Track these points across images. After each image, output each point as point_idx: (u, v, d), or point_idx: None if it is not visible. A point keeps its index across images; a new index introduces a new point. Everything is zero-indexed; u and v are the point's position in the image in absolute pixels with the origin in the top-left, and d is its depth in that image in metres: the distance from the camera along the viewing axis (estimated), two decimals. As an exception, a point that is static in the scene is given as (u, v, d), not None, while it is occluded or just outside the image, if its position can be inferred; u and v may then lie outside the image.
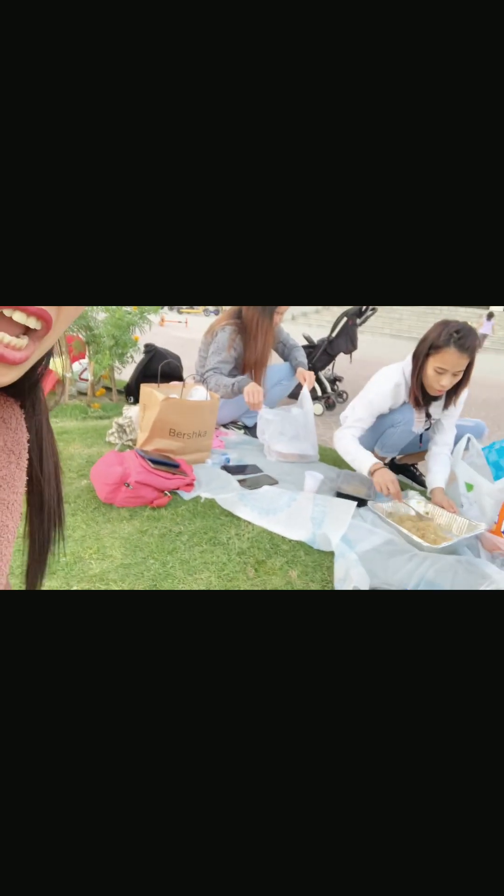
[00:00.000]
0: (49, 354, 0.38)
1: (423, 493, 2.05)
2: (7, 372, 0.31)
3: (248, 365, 2.38)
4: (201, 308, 16.76)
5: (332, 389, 4.29)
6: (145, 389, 1.90)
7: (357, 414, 1.93)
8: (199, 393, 1.97)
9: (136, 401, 2.88)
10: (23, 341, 0.30)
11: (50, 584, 1.21)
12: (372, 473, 1.82)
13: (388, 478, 1.79)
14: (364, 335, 5.38)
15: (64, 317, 0.34)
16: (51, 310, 0.31)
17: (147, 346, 2.84)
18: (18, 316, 0.30)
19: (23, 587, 0.45)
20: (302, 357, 2.66)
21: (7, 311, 0.29)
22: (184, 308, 16.44)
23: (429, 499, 1.91)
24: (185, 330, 9.68)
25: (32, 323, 0.30)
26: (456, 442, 1.99)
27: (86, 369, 2.93)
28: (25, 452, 0.39)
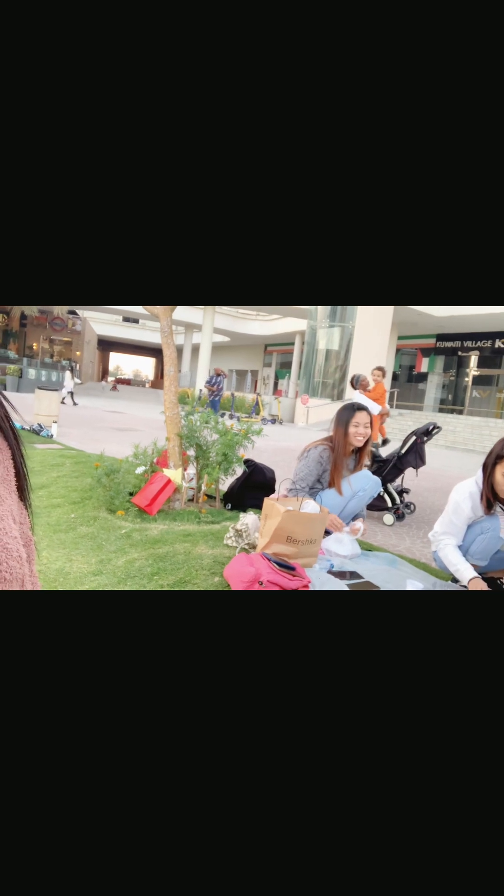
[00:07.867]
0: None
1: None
2: None
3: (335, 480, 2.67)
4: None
5: (401, 501, 4.56)
6: (268, 502, 2.29)
7: (450, 525, 2.22)
8: (310, 506, 2.33)
9: (234, 507, 3.28)
10: None
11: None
12: (468, 582, 2.07)
13: (481, 587, 2.03)
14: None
15: None
16: None
17: (247, 461, 3.32)
18: None
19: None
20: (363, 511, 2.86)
21: None
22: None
23: None
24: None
25: None
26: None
27: (192, 478, 3.41)
28: (6, 449, 0.45)
